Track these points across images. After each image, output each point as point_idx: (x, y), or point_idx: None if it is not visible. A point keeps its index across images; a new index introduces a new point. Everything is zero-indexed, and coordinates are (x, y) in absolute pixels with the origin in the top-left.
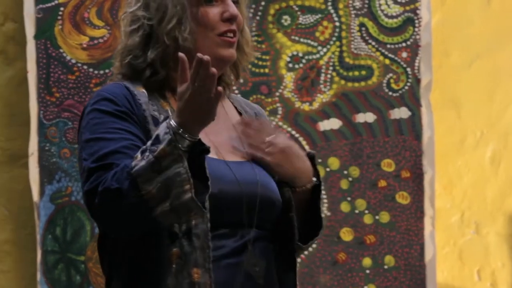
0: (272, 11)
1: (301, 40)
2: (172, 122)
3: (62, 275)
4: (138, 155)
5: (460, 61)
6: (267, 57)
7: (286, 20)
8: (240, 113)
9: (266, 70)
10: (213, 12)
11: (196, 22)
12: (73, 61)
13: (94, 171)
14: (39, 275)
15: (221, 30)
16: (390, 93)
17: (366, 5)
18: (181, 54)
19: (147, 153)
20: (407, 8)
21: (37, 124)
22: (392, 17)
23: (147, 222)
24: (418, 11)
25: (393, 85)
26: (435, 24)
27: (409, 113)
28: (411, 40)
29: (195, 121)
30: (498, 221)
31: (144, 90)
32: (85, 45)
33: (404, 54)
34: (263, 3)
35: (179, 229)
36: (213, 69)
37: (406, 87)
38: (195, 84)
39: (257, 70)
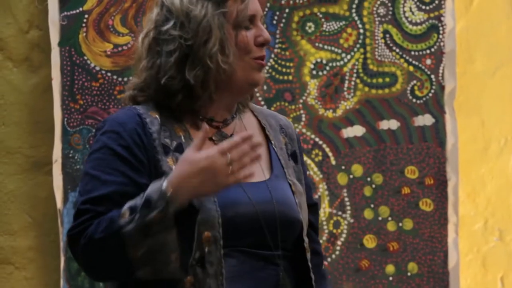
0: (296, 18)
1: (325, 47)
2: (167, 188)
3: (85, 282)
4: (127, 212)
5: (484, 68)
6: (291, 64)
7: (310, 27)
8: (263, 127)
9: (290, 77)
10: (249, 36)
11: (235, 46)
12: (97, 68)
13: (81, 214)
14: (62, 282)
15: (256, 55)
16: (414, 100)
17: (390, 12)
18: (205, 126)
19: (137, 215)
20: (432, 15)
21: (61, 131)
22: (416, 24)
23: (124, 277)
24: (442, 18)
25: (417, 92)
26: (460, 31)
27: (433, 120)
28: (435, 47)
29: (196, 192)
30: None
31: (157, 116)
32: (109, 52)
33: (428, 61)
34: (287, 10)
35: (192, 257)
36: (259, 154)
37: (430, 94)
38: (227, 159)
39: (280, 77)
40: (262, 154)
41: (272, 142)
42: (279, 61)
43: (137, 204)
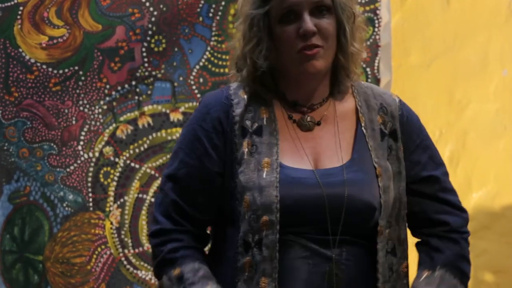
0: (232, 11)
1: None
2: None
3: (20, 275)
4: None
5: (420, 61)
6: (227, 57)
7: None
8: (357, 108)
9: (226, 70)
10: (289, 30)
11: (275, 41)
12: (32, 60)
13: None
14: None
15: (299, 47)
16: None
17: None
18: None
19: None
20: (367, 8)
21: None
22: None
23: None
24: (377, 11)
25: None
26: (395, 24)
27: None
28: (371, 40)
29: None
30: None
31: (245, 97)
32: (44, 45)
33: (364, 54)
34: (223, 3)
35: (251, 239)
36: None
37: None
38: None
39: (217, 70)
40: (348, 138)
41: (363, 124)
42: (215, 54)
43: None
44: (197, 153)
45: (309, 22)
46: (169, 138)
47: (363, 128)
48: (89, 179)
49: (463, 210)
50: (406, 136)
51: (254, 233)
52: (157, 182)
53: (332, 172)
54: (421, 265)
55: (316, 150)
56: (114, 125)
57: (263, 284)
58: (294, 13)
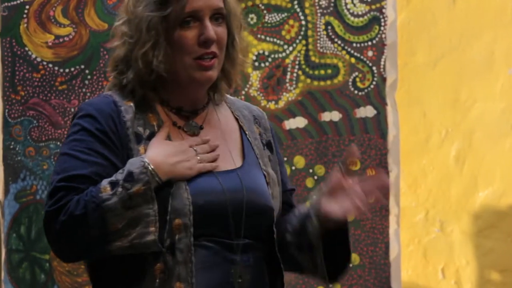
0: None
1: (267, 38)
2: (148, 164)
3: (26, 273)
4: (108, 187)
5: (426, 60)
6: None
7: (252, 18)
8: (236, 118)
9: None
10: (189, 35)
11: (172, 46)
12: (39, 59)
13: (58, 190)
14: (3, 274)
15: (198, 54)
16: (356, 91)
17: (332, 4)
18: (165, 125)
19: (119, 189)
20: (373, 7)
21: (1, 123)
22: (358, 16)
23: (98, 253)
24: (384, 10)
25: (358, 84)
26: (401, 23)
27: (375, 112)
28: (377, 39)
29: (172, 171)
30: (463, 219)
31: (132, 104)
32: (50, 44)
33: (370, 53)
34: None
35: (162, 244)
36: (218, 154)
37: (372, 86)
38: (196, 148)
39: None
40: (235, 142)
41: (246, 132)
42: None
43: (118, 178)
44: (101, 152)
45: (211, 29)
46: None
47: (248, 136)
48: None
49: None
50: (276, 148)
51: (165, 238)
52: None
53: (230, 175)
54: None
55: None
56: None
57: None
58: (195, 18)
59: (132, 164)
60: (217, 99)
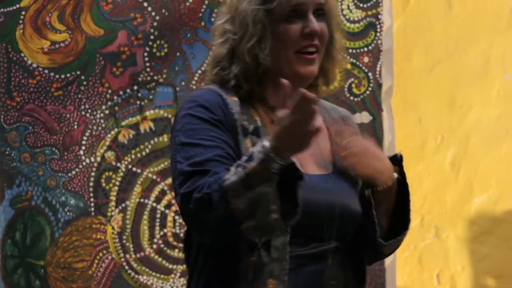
0: None
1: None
2: (266, 143)
3: (21, 279)
4: (233, 168)
5: (421, 66)
6: None
7: None
8: (323, 119)
9: None
10: (294, 29)
11: (277, 40)
12: (34, 65)
13: (191, 175)
14: None
15: (301, 46)
16: (352, 97)
17: None
18: (283, 81)
19: (239, 169)
20: (369, 13)
21: None
22: (354, 21)
23: (233, 234)
24: (380, 16)
25: (354, 90)
26: (397, 29)
27: (370, 118)
28: (373, 45)
29: (288, 147)
30: (458, 225)
31: (236, 99)
32: (46, 49)
33: (366, 59)
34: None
35: (258, 240)
36: (315, 107)
37: (368, 92)
38: (295, 116)
39: None
40: (325, 145)
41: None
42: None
43: (242, 159)
44: (221, 137)
45: (315, 22)
46: None
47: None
48: (91, 184)
49: None
50: None
51: (262, 234)
52: (159, 187)
53: (324, 180)
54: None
55: (298, 156)
56: (116, 129)
57: (270, 286)
58: (299, 12)
59: (256, 145)
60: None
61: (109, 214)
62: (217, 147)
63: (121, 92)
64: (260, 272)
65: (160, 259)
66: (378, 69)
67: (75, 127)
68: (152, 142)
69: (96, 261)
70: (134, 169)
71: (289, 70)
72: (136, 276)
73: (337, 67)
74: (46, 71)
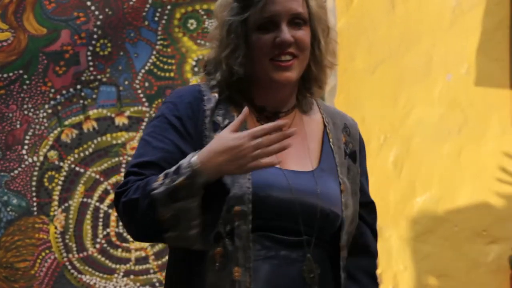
0: (178, 15)
1: (207, 44)
2: (196, 158)
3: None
4: (162, 176)
5: (365, 66)
6: (173, 61)
7: (192, 24)
8: (325, 124)
9: (172, 74)
10: (266, 38)
11: (252, 49)
12: None
13: (128, 175)
14: None
15: (274, 54)
16: None
17: None
18: (246, 109)
19: (168, 180)
20: None
21: None
22: None
23: (156, 239)
24: None
25: None
26: (340, 29)
27: None
28: None
29: (220, 169)
30: (400, 225)
31: (216, 95)
32: None
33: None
34: (169, 7)
35: (223, 230)
36: (288, 143)
37: None
38: (255, 142)
39: (162, 74)
40: (314, 147)
41: (331, 140)
42: (161, 58)
43: (171, 170)
44: (172, 139)
45: (286, 32)
46: (114, 142)
47: (331, 144)
48: (34, 183)
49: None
50: (361, 160)
51: (226, 224)
52: (102, 187)
53: (301, 176)
54: None
55: (283, 153)
56: (58, 129)
57: (236, 274)
58: (272, 23)
59: (186, 158)
60: (304, 104)
61: (51, 213)
62: (163, 150)
63: (64, 91)
64: (227, 260)
65: (103, 259)
66: None
67: (18, 126)
68: (95, 141)
69: (38, 260)
70: (77, 168)
71: (265, 77)
72: (79, 275)
73: (327, 69)
74: None
